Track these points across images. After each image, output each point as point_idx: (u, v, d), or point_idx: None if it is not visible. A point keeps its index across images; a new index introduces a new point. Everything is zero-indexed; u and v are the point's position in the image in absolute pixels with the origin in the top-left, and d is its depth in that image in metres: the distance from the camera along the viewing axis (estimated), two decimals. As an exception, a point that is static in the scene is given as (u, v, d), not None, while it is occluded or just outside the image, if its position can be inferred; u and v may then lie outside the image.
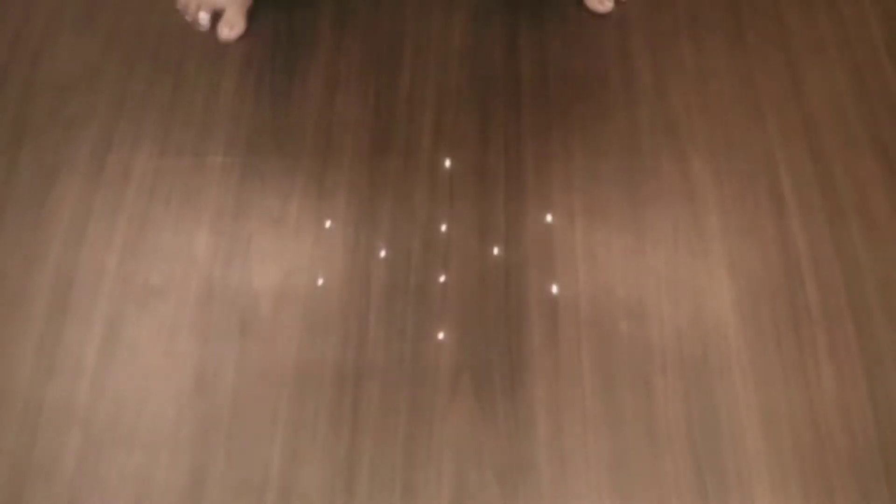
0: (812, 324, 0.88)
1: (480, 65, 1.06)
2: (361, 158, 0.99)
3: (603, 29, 1.08)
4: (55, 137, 1.01)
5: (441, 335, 0.88)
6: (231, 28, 1.05)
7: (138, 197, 0.96)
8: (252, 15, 1.08)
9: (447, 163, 0.98)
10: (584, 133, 1.00)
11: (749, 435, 0.82)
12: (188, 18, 1.07)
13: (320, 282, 0.91)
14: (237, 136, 1.00)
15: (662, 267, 0.91)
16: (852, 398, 0.84)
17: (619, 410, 0.83)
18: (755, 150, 0.99)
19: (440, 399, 0.84)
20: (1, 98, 1.04)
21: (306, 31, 1.09)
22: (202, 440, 0.83)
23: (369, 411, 0.84)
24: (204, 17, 1.06)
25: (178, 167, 0.98)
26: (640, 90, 1.03)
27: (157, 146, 1.00)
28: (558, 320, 0.88)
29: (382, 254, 0.93)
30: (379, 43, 1.08)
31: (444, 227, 0.94)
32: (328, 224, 0.94)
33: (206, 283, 0.91)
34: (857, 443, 0.82)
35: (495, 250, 0.93)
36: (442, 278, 0.91)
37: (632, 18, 1.09)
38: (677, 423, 0.83)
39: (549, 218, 0.94)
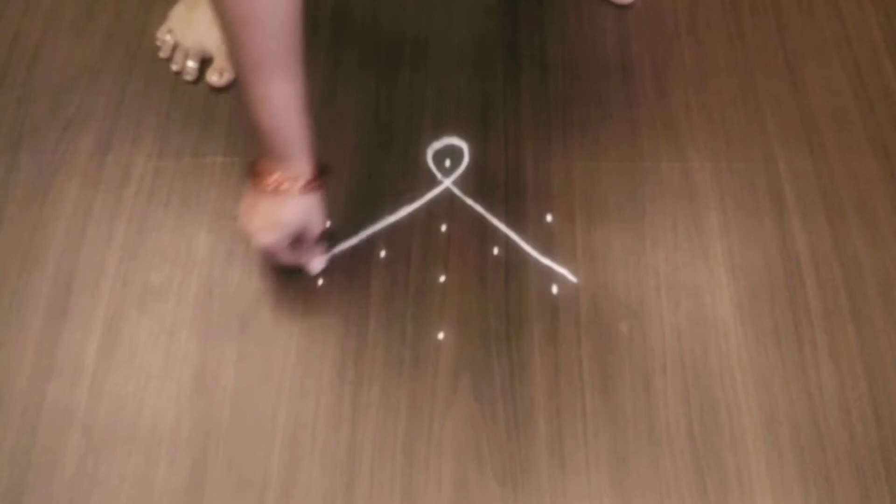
0: (812, 323, 0.88)
1: (480, 64, 1.06)
2: (361, 158, 0.99)
3: (603, 28, 1.09)
4: (54, 138, 1.01)
5: (441, 335, 0.88)
6: (221, 75, 1.03)
7: (138, 197, 0.96)
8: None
9: (447, 163, 0.98)
10: (583, 132, 1.00)
11: (749, 434, 0.82)
12: (175, 67, 1.04)
13: (320, 282, 0.91)
14: (236, 136, 1.01)
15: (662, 266, 0.91)
16: (852, 397, 0.84)
17: (619, 410, 0.84)
18: (755, 149, 0.99)
19: (440, 399, 0.84)
20: (0, 98, 1.04)
21: (306, 30, 1.08)
22: (202, 440, 0.83)
23: (369, 411, 0.84)
24: (192, 66, 1.04)
25: (177, 168, 0.99)
26: (639, 89, 1.03)
27: (157, 147, 1.00)
28: (558, 320, 0.88)
29: (383, 254, 0.93)
30: (379, 42, 1.08)
31: (443, 227, 0.94)
32: (328, 224, 0.94)
33: (205, 284, 0.91)
34: (858, 441, 0.82)
35: (495, 250, 0.93)
36: (442, 278, 0.91)
37: (631, 18, 1.09)
38: (677, 423, 0.83)
39: (548, 218, 0.94)
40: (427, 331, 0.88)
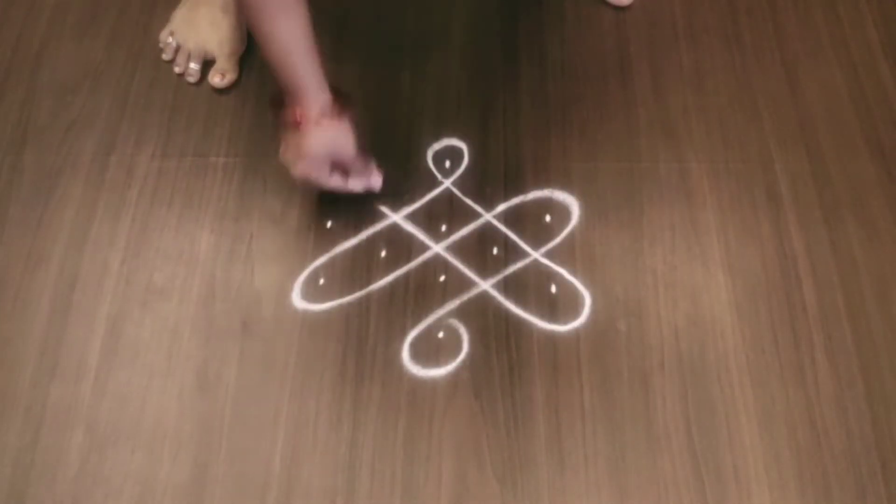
0: (809, 322, 0.88)
1: (480, 65, 1.07)
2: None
3: (601, 30, 1.09)
4: (58, 139, 1.02)
5: (441, 334, 0.88)
6: (223, 76, 1.04)
7: (141, 197, 0.97)
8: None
9: (447, 163, 0.99)
10: (582, 133, 1.01)
11: (746, 433, 0.83)
12: (177, 69, 1.05)
13: (321, 282, 0.92)
14: (239, 136, 1.01)
15: (660, 265, 0.92)
16: (849, 396, 0.84)
17: (618, 408, 0.84)
18: (752, 150, 1.00)
19: (440, 397, 0.85)
20: (4, 100, 1.05)
21: (307, 32, 1.09)
22: (204, 438, 0.83)
23: (369, 410, 0.84)
24: (194, 68, 1.04)
25: (180, 168, 0.99)
26: (637, 91, 1.04)
27: (160, 147, 1.01)
28: (557, 319, 0.89)
29: (383, 254, 0.93)
30: (379, 43, 1.09)
31: (443, 227, 0.95)
32: (329, 224, 0.95)
33: (208, 283, 0.92)
34: (854, 440, 0.82)
35: (495, 250, 0.93)
36: (442, 278, 0.92)
37: (629, 20, 1.10)
38: (675, 421, 0.83)
39: (547, 218, 0.95)
40: (427, 330, 0.89)
